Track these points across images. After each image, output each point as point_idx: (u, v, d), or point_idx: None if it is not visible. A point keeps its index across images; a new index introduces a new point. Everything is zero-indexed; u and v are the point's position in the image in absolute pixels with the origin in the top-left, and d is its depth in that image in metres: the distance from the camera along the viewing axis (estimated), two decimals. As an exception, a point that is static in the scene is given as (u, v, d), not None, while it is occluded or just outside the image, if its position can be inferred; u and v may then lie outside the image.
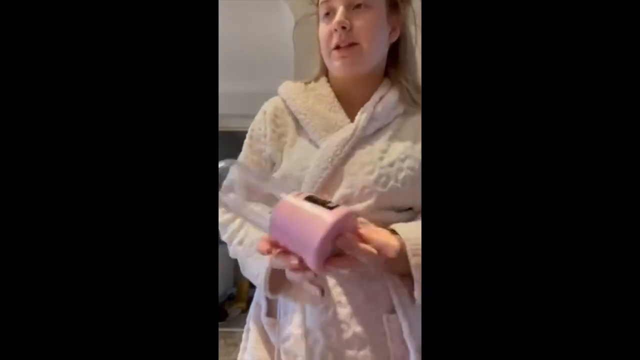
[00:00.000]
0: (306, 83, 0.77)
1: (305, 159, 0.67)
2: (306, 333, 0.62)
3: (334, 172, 0.65)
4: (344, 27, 0.65)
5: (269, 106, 0.76)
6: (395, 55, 0.73)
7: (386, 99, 0.70)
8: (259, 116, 0.77)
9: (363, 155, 0.66)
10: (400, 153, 0.66)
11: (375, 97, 0.70)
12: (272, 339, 0.67)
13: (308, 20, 0.75)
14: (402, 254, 0.57)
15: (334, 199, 0.64)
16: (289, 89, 0.76)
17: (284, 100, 0.75)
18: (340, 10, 0.65)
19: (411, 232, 0.59)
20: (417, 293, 0.58)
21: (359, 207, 0.64)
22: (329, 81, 0.75)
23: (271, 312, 0.68)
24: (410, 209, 0.67)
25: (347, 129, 0.67)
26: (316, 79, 0.77)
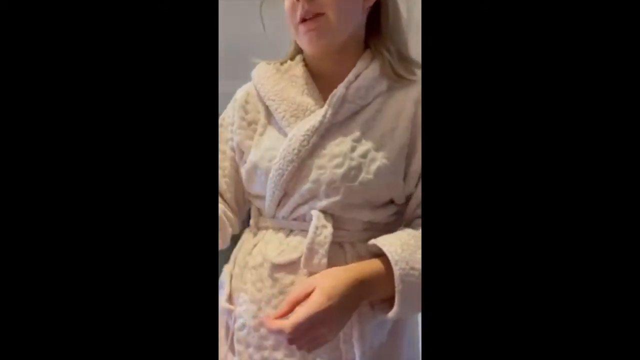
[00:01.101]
0: (282, 63, 0.69)
1: (274, 149, 0.61)
2: (259, 325, 0.60)
3: (301, 165, 0.59)
4: None
5: (240, 92, 0.71)
6: (375, 22, 0.63)
7: (363, 76, 0.61)
8: (230, 104, 0.72)
9: (333, 145, 0.59)
10: (376, 141, 0.59)
11: (350, 75, 0.61)
12: (230, 324, 0.65)
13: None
14: (388, 278, 0.55)
15: (300, 194, 0.60)
16: (260, 72, 0.69)
17: (255, 85, 0.69)
18: None
19: (397, 253, 0.55)
20: (392, 313, 0.55)
21: (325, 203, 0.58)
22: (304, 59, 0.67)
23: (231, 299, 0.67)
24: (392, 202, 0.62)
25: (317, 116, 0.59)
26: (292, 57, 0.69)
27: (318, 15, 0.59)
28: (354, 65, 0.62)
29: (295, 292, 0.55)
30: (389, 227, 0.62)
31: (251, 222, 0.70)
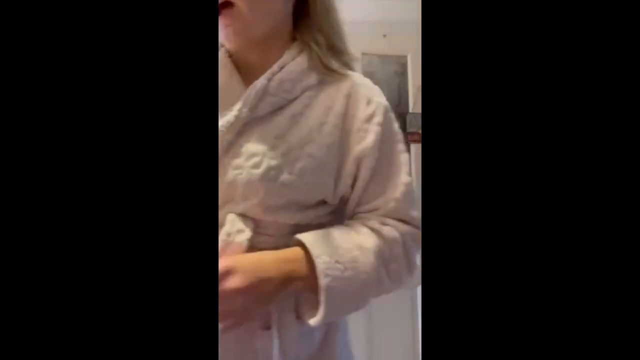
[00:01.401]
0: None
1: None
2: None
3: (220, 166, 0.53)
4: None
5: None
6: (302, 10, 0.57)
7: (288, 68, 0.55)
8: None
9: (251, 143, 0.52)
10: (302, 138, 0.53)
11: (274, 67, 0.54)
12: None
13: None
14: (311, 273, 0.50)
15: (219, 195, 0.52)
16: None
17: None
18: None
19: (319, 247, 0.50)
20: (319, 316, 0.50)
21: (243, 206, 0.52)
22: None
23: None
24: (324, 202, 0.56)
25: (232, 110, 0.52)
26: (221, 45, 0.61)
27: (227, 4, 0.52)
28: (280, 57, 0.56)
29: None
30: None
31: None
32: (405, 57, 2.03)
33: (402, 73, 2.06)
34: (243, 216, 0.53)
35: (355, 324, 1.90)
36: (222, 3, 0.50)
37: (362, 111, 0.55)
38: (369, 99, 0.56)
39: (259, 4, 0.53)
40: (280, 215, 0.54)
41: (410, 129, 1.95)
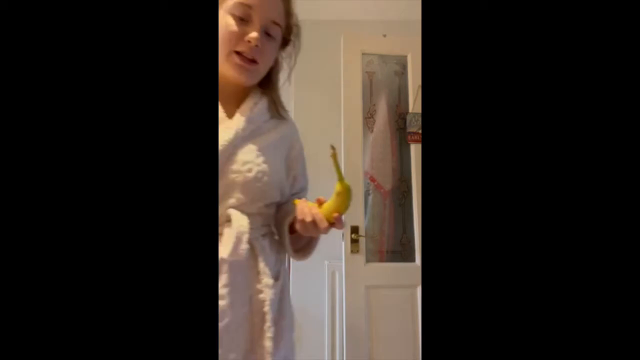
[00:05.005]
0: None
1: None
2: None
3: (222, 169, 0.73)
4: (257, 46, 0.75)
5: None
6: (269, 75, 0.85)
7: (259, 105, 0.80)
8: None
9: (243, 154, 0.75)
10: (269, 153, 0.78)
11: (249, 102, 0.79)
12: None
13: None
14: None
15: (220, 194, 0.73)
16: None
17: None
18: (258, 31, 0.75)
19: None
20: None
21: (236, 202, 0.73)
22: None
23: None
24: (275, 202, 0.80)
25: (229, 131, 0.74)
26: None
27: (254, 61, 0.76)
28: (244, 93, 0.81)
29: (311, 212, 0.70)
30: (271, 225, 0.82)
31: None
32: (405, 57, 2.03)
33: (402, 73, 2.06)
34: (240, 209, 0.73)
35: (356, 324, 1.91)
36: (251, 60, 0.75)
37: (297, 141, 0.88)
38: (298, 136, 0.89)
39: (267, 66, 0.80)
40: (258, 209, 0.76)
41: (410, 129, 1.96)
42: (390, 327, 1.78)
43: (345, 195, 0.69)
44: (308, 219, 0.69)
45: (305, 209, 0.70)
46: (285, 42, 0.83)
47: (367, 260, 1.83)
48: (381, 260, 1.92)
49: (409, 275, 1.83)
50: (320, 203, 0.71)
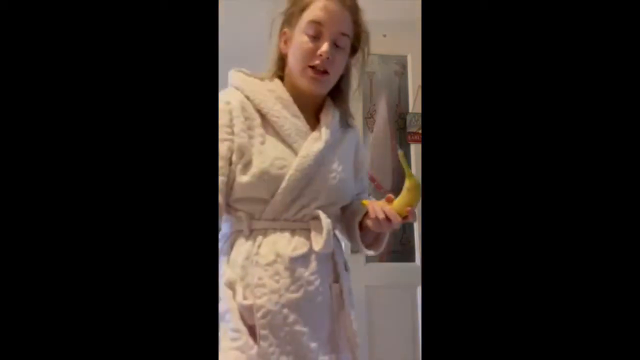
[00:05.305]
0: (261, 79, 0.88)
1: (282, 159, 0.80)
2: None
3: (313, 176, 0.81)
4: (328, 58, 0.81)
5: (232, 97, 0.83)
6: (339, 84, 0.91)
7: (335, 117, 0.88)
8: (221, 106, 0.82)
9: (329, 162, 0.83)
10: (344, 162, 0.86)
11: (328, 114, 0.87)
12: (245, 317, 0.77)
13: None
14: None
15: (308, 198, 0.81)
16: (248, 84, 0.86)
17: (247, 95, 0.84)
18: (329, 43, 0.81)
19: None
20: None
21: (320, 204, 0.81)
22: (284, 83, 0.88)
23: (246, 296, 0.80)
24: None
25: (319, 142, 0.82)
26: (270, 78, 0.88)
27: (326, 72, 0.82)
28: (316, 104, 0.89)
29: (383, 209, 0.77)
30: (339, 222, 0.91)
31: (236, 226, 0.83)
32: (405, 57, 2.03)
33: (402, 73, 2.06)
34: (323, 210, 0.82)
35: (356, 324, 1.90)
36: (323, 71, 0.82)
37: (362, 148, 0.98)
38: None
39: (337, 75, 0.87)
40: (334, 210, 0.86)
41: (410, 129, 1.95)
42: (390, 327, 1.78)
43: (416, 190, 0.76)
44: (381, 215, 0.75)
45: (377, 207, 0.77)
46: (354, 50, 0.89)
47: (367, 260, 1.83)
48: (381, 260, 1.92)
49: (408, 275, 1.83)
50: (390, 201, 0.78)
